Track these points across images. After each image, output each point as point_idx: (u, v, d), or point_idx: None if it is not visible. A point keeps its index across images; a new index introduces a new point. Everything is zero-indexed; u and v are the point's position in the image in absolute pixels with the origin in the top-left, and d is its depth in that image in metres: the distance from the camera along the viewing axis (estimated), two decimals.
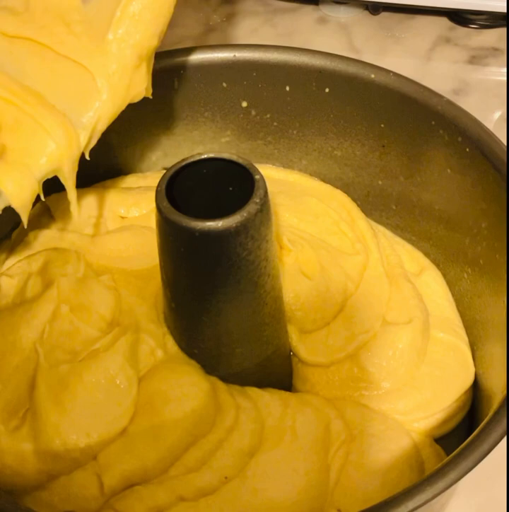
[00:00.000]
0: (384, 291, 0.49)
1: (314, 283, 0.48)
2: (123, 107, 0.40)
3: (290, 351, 0.47)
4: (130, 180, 0.56)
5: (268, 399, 0.44)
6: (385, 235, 0.55)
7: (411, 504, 0.32)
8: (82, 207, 0.53)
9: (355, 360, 0.46)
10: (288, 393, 0.46)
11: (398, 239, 0.55)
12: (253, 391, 0.45)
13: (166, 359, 0.44)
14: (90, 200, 0.53)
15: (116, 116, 0.40)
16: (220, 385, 0.44)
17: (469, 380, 0.47)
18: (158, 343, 0.44)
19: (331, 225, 0.53)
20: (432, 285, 0.52)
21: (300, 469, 0.41)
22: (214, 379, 0.44)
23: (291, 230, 0.51)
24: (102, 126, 0.39)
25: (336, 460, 0.42)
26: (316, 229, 0.52)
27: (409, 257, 0.53)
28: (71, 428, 0.40)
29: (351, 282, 0.49)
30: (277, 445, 0.42)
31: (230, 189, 0.40)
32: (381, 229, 0.55)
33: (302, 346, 0.47)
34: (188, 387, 0.42)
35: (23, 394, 0.42)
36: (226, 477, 0.40)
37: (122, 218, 0.52)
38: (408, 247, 0.54)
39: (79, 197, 0.53)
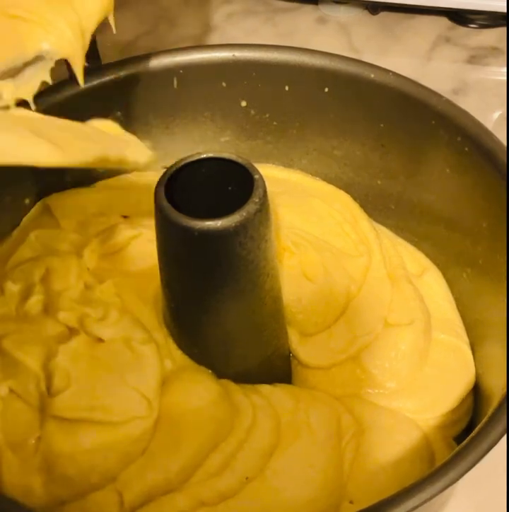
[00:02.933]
0: (387, 293, 0.49)
1: (317, 287, 0.47)
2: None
3: (290, 352, 0.47)
4: (132, 179, 0.56)
5: (280, 395, 0.44)
6: (388, 236, 0.54)
7: (411, 503, 0.32)
8: (83, 207, 0.53)
9: (357, 361, 0.46)
10: (296, 387, 0.46)
11: (399, 240, 0.55)
12: (263, 388, 0.44)
13: (175, 369, 0.44)
14: (91, 199, 0.53)
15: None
16: (233, 387, 0.44)
17: (471, 381, 0.47)
18: (164, 352, 0.44)
19: (335, 226, 0.52)
20: (433, 286, 0.51)
21: (317, 465, 0.41)
22: (226, 381, 0.44)
23: (295, 231, 0.50)
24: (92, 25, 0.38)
25: (347, 453, 0.42)
26: (319, 230, 0.52)
27: (411, 258, 0.53)
28: (87, 456, 0.39)
29: (354, 284, 0.49)
30: (294, 441, 0.42)
31: (230, 188, 0.40)
32: (383, 230, 0.55)
33: (302, 349, 0.47)
34: (203, 395, 0.42)
35: (33, 420, 0.41)
36: (247, 478, 0.40)
37: (124, 217, 0.52)
38: (411, 248, 0.54)
39: (80, 197, 0.53)
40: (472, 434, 0.35)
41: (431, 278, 0.52)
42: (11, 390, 0.41)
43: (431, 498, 0.32)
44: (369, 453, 0.42)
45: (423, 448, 0.43)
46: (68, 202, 0.53)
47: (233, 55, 0.51)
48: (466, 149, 0.46)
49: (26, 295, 0.46)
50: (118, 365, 0.43)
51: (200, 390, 0.42)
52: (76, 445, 0.40)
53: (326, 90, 0.51)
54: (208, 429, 0.41)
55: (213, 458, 0.40)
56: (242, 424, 0.42)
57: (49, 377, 0.42)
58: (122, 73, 0.50)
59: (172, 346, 0.45)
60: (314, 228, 0.52)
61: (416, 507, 0.32)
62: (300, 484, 0.41)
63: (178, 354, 0.44)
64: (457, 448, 0.34)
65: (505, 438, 0.35)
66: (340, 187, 0.55)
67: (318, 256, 0.49)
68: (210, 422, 0.41)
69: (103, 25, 0.38)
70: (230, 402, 0.42)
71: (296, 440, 0.42)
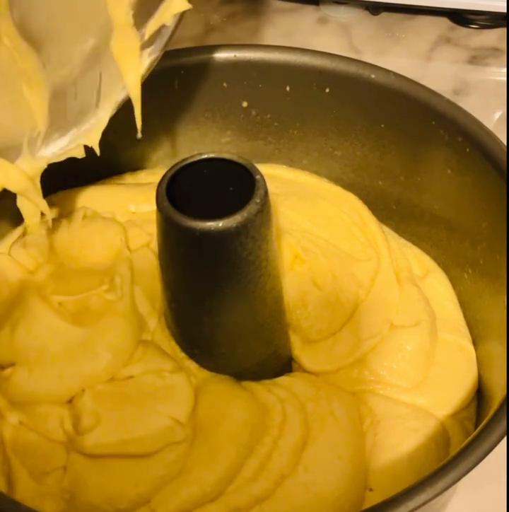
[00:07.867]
0: (394, 296, 0.49)
1: (324, 294, 0.47)
2: None
3: (290, 354, 0.47)
4: (140, 176, 0.56)
5: (300, 384, 0.44)
6: (394, 238, 0.54)
7: (412, 504, 0.32)
8: (90, 204, 0.52)
9: (364, 364, 0.46)
10: (311, 375, 0.45)
11: (403, 241, 0.54)
12: (282, 380, 0.44)
13: (200, 384, 0.43)
14: (98, 196, 0.53)
15: None
16: (255, 386, 0.44)
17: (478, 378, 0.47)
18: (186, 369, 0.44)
19: (343, 229, 0.52)
20: (438, 287, 0.51)
21: (345, 455, 0.41)
22: (247, 383, 0.44)
23: (305, 235, 0.50)
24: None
25: (367, 440, 0.42)
26: (328, 233, 0.51)
27: (415, 260, 0.53)
28: (116, 485, 0.39)
29: (362, 290, 0.49)
30: (322, 431, 0.42)
31: (230, 189, 0.40)
32: (388, 231, 0.55)
33: (305, 354, 0.46)
34: (234, 402, 0.42)
35: (54, 451, 0.40)
36: (282, 476, 0.40)
37: (133, 213, 0.52)
38: (415, 249, 0.54)
39: (83, 195, 0.53)
40: (472, 435, 0.35)
41: (435, 279, 0.52)
42: (21, 423, 0.41)
43: (432, 498, 0.33)
44: (385, 440, 0.43)
45: (438, 433, 0.43)
46: (74, 199, 0.53)
47: (234, 56, 0.51)
48: (467, 150, 0.46)
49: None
50: (148, 397, 0.42)
51: (229, 399, 0.42)
52: (105, 475, 0.39)
53: (327, 90, 0.51)
54: (243, 436, 0.41)
55: (249, 464, 0.40)
56: (273, 421, 0.41)
57: (76, 417, 0.41)
58: None
59: (188, 361, 0.44)
60: (323, 231, 0.51)
61: (418, 507, 0.32)
62: (330, 477, 0.40)
63: (194, 366, 0.44)
64: (458, 450, 0.34)
65: (505, 439, 0.35)
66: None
67: (327, 263, 0.48)
68: (244, 428, 0.41)
69: None
70: (257, 403, 0.42)
71: (323, 429, 0.42)
